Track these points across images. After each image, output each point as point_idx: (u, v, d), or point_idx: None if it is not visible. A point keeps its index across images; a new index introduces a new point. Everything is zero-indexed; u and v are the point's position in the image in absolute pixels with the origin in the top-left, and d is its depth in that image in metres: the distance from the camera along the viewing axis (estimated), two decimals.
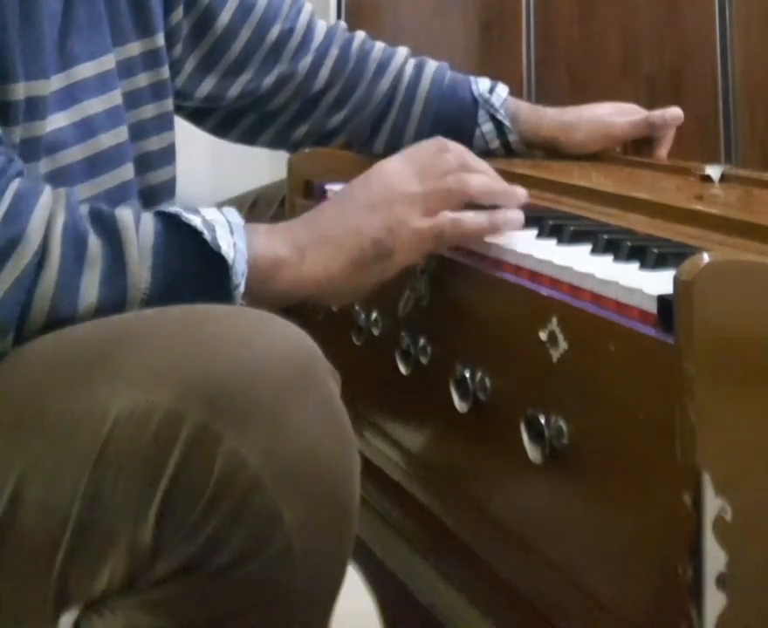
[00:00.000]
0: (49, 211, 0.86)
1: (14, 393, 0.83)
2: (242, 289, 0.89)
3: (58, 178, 0.97)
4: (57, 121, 0.98)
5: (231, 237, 0.89)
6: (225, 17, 1.27)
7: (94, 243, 0.87)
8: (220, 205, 0.96)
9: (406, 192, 0.96)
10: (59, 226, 0.86)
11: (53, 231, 0.85)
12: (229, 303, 0.88)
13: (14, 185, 0.86)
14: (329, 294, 0.95)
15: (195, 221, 0.89)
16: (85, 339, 0.84)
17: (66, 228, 0.86)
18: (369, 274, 0.95)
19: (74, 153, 1.00)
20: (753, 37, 1.66)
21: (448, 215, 0.96)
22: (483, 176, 1.00)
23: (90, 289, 0.86)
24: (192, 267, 0.89)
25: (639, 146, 1.38)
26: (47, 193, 0.87)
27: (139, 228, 0.89)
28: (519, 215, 0.97)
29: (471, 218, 0.96)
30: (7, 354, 0.86)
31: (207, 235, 0.88)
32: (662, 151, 1.37)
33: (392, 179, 0.97)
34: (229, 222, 0.90)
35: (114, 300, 0.87)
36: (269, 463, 0.75)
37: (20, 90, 0.92)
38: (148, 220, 0.90)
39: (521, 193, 0.99)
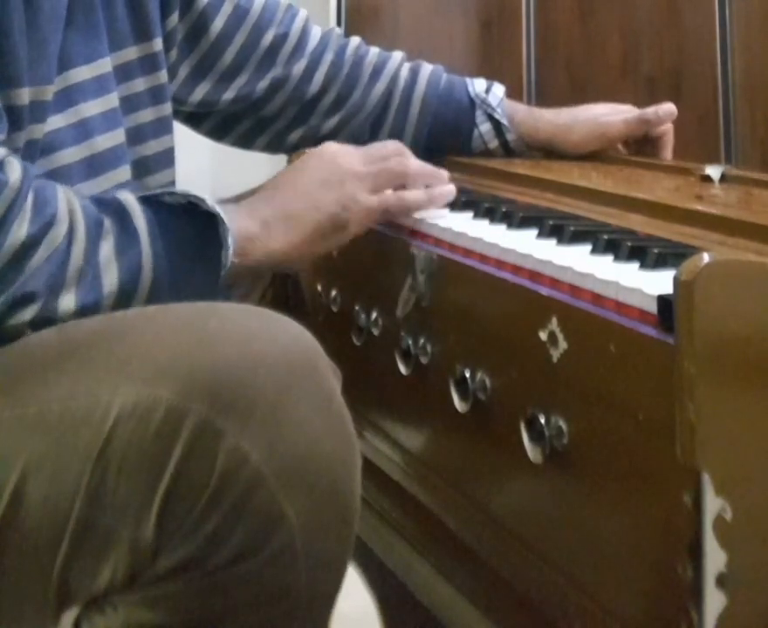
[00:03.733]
0: (67, 199, 0.92)
1: (16, 390, 0.83)
2: (231, 251, 0.96)
3: (55, 178, 0.98)
4: (55, 123, 0.99)
5: (212, 202, 0.97)
6: (219, 22, 1.27)
7: (107, 222, 0.93)
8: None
9: (354, 171, 1.07)
10: (79, 209, 0.92)
11: (76, 214, 0.91)
12: (219, 267, 0.96)
13: (34, 182, 0.90)
14: (291, 262, 1.05)
15: (178, 196, 0.96)
16: (87, 335, 0.85)
17: (85, 211, 0.92)
18: (327, 243, 1.05)
19: (71, 154, 1.00)
20: (753, 37, 1.66)
21: (392, 192, 1.09)
22: (418, 161, 1.13)
23: (109, 263, 0.92)
24: (187, 228, 0.96)
25: (641, 147, 1.38)
26: (60, 186, 0.93)
27: (141, 204, 0.95)
28: (452, 189, 1.12)
29: (412, 194, 1.10)
30: (8, 347, 0.86)
31: (196, 201, 0.95)
32: (666, 152, 1.37)
33: (341, 159, 1.08)
34: (202, 198, 0.97)
35: (130, 269, 0.92)
36: (270, 460, 0.76)
37: (25, 95, 0.93)
38: (134, 201, 0.96)
39: (445, 173, 1.15)
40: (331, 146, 1.10)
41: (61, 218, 0.90)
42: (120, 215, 0.94)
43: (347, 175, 1.06)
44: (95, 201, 0.94)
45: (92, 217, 0.92)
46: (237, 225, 0.98)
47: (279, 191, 1.05)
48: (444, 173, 1.15)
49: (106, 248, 0.92)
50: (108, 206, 0.94)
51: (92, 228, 0.91)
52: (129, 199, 0.95)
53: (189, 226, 0.96)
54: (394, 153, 1.12)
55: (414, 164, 1.12)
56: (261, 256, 1.00)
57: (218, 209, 0.96)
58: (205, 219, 0.96)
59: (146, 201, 0.96)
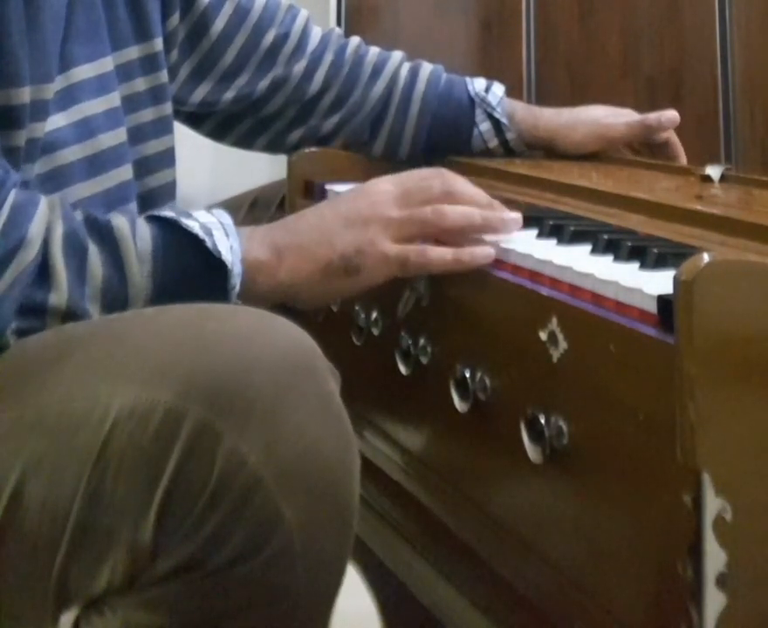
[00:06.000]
0: (46, 221, 0.89)
1: (14, 391, 0.83)
2: (238, 289, 0.93)
3: (57, 177, 0.98)
4: (56, 121, 0.99)
5: (227, 240, 0.93)
6: (220, 23, 1.27)
7: (94, 253, 0.90)
8: (219, 205, 0.97)
9: (383, 215, 0.98)
10: (58, 235, 0.89)
11: (53, 241, 0.88)
12: (224, 301, 0.92)
13: (11, 197, 0.88)
14: (297, 298, 0.99)
15: (194, 227, 0.92)
16: (85, 337, 0.85)
17: (66, 236, 0.89)
18: (335, 286, 0.98)
19: (74, 153, 1.01)
20: (753, 36, 1.66)
21: (415, 245, 0.98)
22: (464, 208, 0.99)
23: (93, 303, 0.89)
24: (191, 271, 0.92)
25: (653, 156, 1.38)
26: (43, 203, 0.90)
27: (136, 236, 0.92)
28: (488, 251, 0.95)
29: (437, 251, 0.97)
30: (7, 350, 0.87)
31: (208, 243, 0.92)
32: (681, 160, 1.37)
33: (376, 199, 0.99)
34: (222, 224, 0.94)
35: (116, 308, 0.90)
36: (269, 462, 0.75)
37: (26, 94, 0.93)
38: (143, 225, 0.93)
39: (511, 219, 0.98)
40: (374, 183, 1.01)
41: (30, 243, 0.87)
42: (111, 246, 0.90)
43: (374, 217, 0.98)
44: (87, 223, 0.91)
45: (75, 247, 0.89)
46: (247, 253, 0.94)
47: (301, 220, 1.00)
48: (508, 216, 0.99)
49: (91, 288, 0.89)
50: (99, 232, 0.91)
51: (71, 261, 0.88)
52: (124, 230, 0.91)
53: (194, 261, 0.92)
54: (438, 195, 1.00)
55: (455, 215, 0.98)
56: (267, 289, 0.96)
57: (226, 251, 0.91)
58: (215, 256, 0.92)
59: (161, 224, 0.93)
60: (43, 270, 0.88)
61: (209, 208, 0.97)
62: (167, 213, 0.94)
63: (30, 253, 0.87)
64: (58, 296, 0.88)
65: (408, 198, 1.00)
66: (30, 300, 0.87)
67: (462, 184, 1.02)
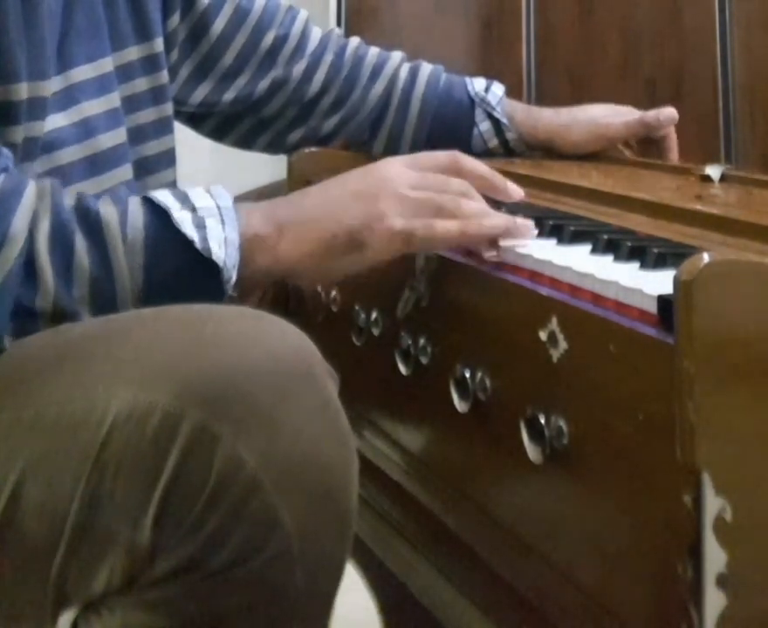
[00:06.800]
0: (32, 212, 0.86)
1: (13, 393, 0.83)
2: (234, 280, 0.89)
3: (56, 177, 0.98)
4: (56, 121, 0.99)
5: (222, 230, 0.89)
6: (220, 23, 1.28)
7: (81, 249, 0.87)
8: None
9: (396, 191, 0.94)
10: (45, 228, 0.86)
11: (38, 236, 0.86)
12: (220, 294, 0.89)
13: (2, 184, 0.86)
14: (298, 274, 0.95)
15: (185, 224, 0.89)
16: (83, 339, 0.84)
17: (52, 231, 0.87)
18: (340, 262, 0.94)
19: (73, 153, 1.01)
20: (754, 37, 1.66)
21: (422, 219, 0.93)
22: (479, 205, 0.97)
23: (81, 302, 0.88)
24: (184, 270, 0.90)
25: (645, 149, 1.38)
26: (31, 190, 0.87)
27: (126, 228, 0.89)
28: (496, 221, 0.94)
29: (442, 225, 0.93)
30: (4, 352, 0.86)
31: (197, 243, 0.89)
32: (673, 155, 1.37)
33: (389, 175, 0.95)
34: (219, 208, 0.90)
35: (105, 306, 0.88)
36: (267, 464, 0.76)
37: (23, 90, 0.93)
38: (137, 214, 0.90)
39: (523, 224, 0.95)
40: (388, 160, 0.98)
41: (13, 238, 0.84)
42: (99, 240, 0.88)
43: (385, 192, 0.93)
44: (77, 212, 0.88)
45: (62, 242, 0.87)
46: (245, 229, 0.91)
47: (306, 196, 0.97)
48: (520, 221, 0.94)
49: (79, 286, 0.87)
50: (88, 225, 0.88)
51: (57, 258, 0.86)
52: (113, 224, 0.88)
53: (187, 256, 0.89)
54: (456, 192, 0.96)
55: (468, 209, 0.95)
56: (267, 265, 0.92)
57: (218, 247, 0.88)
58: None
59: (155, 216, 0.90)
60: (29, 270, 0.86)
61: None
62: (162, 200, 0.90)
63: (15, 249, 0.84)
64: (45, 298, 0.86)
65: (426, 183, 0.96)
66: (18, 301, 0.86)
67: (476, 177, 1.00)
